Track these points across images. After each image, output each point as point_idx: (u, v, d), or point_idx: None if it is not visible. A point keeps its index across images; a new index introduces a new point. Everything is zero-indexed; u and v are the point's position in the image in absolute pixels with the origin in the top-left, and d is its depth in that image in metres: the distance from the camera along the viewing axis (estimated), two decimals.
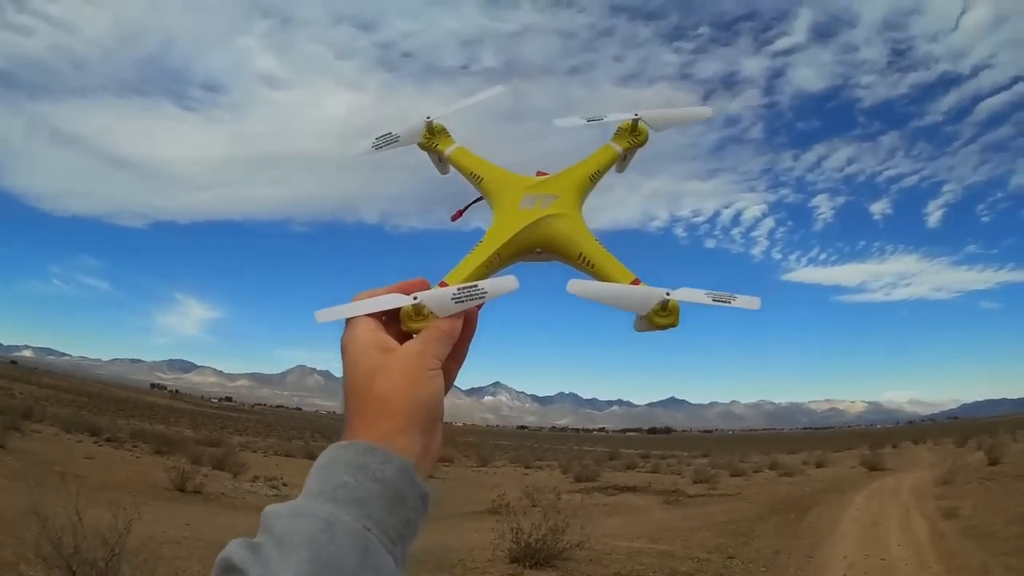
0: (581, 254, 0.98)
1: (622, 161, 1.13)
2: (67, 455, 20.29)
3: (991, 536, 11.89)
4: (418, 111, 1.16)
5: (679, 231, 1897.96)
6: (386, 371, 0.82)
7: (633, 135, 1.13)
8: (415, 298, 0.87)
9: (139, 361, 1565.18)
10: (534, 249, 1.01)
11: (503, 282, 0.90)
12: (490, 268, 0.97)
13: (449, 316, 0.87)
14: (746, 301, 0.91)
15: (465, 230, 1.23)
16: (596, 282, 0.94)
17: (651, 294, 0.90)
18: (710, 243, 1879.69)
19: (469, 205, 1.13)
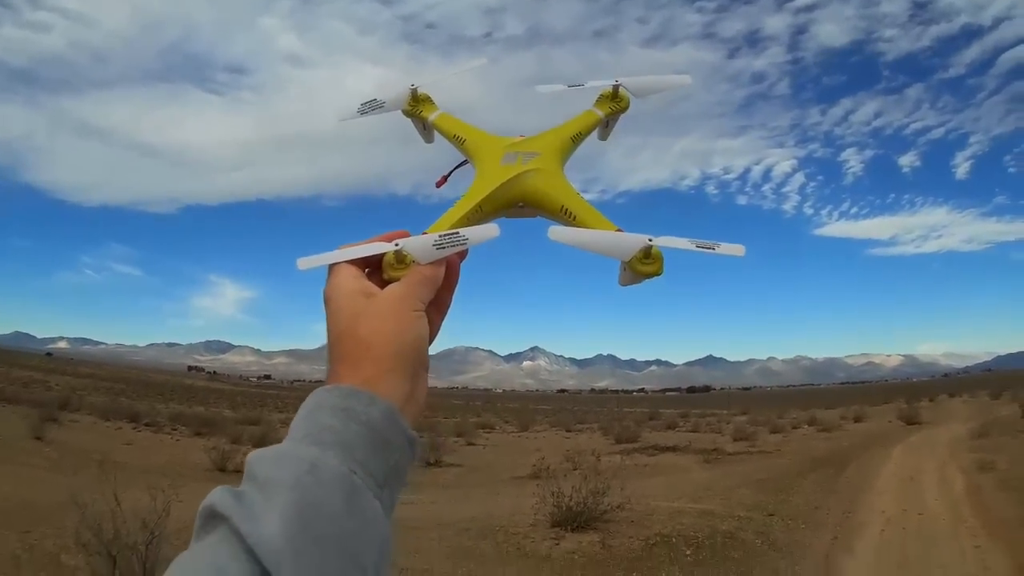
0: (563, 207, 0.98)
1: (604, 128, 1.16)
2: (106, 442, 20.31)
3: None
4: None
5: (710, 189, 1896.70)
6: (370, 314, 0.80)
7: (614, 101, 1.14)
8: (397, 244, 0.87)
9: (176, 345, 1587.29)
10: (516, 203, 1.01)
11: (484, 229, 0.90)
12: (471, 222, 0.97)
13: (431, 262, 0.87)
14: (730, 248, 0.90)
15: None
16: (578, 229, 0.94)
17: (634, 240, 0.89)
18: (742, 200, 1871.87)
19: (453, 170, 1.15)
